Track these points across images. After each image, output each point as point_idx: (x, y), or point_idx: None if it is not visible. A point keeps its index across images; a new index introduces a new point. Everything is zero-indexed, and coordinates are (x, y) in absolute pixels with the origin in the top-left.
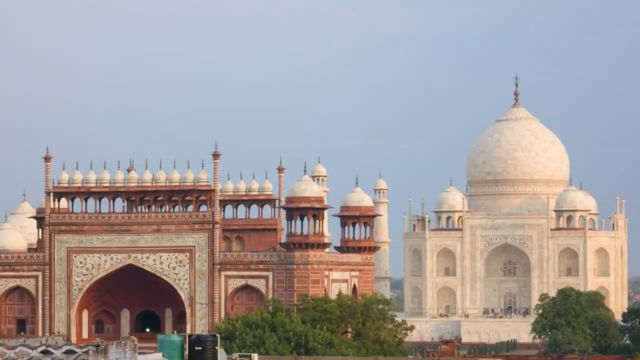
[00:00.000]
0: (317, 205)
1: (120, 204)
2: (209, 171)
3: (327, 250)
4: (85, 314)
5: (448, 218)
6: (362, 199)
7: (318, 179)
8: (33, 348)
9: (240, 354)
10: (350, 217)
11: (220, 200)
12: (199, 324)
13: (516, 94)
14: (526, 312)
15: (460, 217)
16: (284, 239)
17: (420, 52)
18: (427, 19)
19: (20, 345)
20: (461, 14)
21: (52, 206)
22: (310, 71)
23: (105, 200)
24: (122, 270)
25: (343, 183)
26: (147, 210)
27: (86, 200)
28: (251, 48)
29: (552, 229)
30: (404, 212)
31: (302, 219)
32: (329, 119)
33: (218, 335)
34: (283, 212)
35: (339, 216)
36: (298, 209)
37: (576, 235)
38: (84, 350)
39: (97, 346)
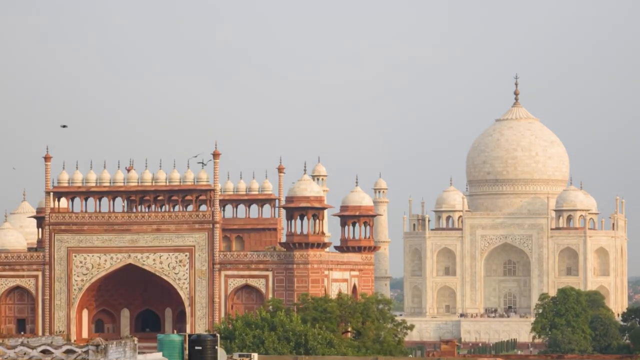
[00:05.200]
0: (317, 205)
1: (120, 204)
2: (209, 171)
3: (327, 249)
4: (85, 313)
5: (448, 218)
6: (362, 198)
7: (318, 179)
8: (33, 348)
9: (240, 353)
10: (350, 217)
11: (220, 200)
12: (198, 323)
13: (516, 94)
14: (527, 312)
15: (460, 216)
16: (284, 239)
17: (420, 51)
18: (427, 18)
19: (20, 345)
20: (461, 14)
21: (52, 206)
22: (310, 71)
23: (105, 200)
24: (122, 270)
25: (343, 183)
26: (147, 210)
27: (86, 200)
28: (251, 48)
29: (552, 229)
30: (404, 212)
31: (302, 219)
32: (329, 119)
33: (218, 335)
34: (283, 212)
35: (339, 216)
36: (298, 209)
37: (576, 235)
38: (84, 350)
39: (97, 346)
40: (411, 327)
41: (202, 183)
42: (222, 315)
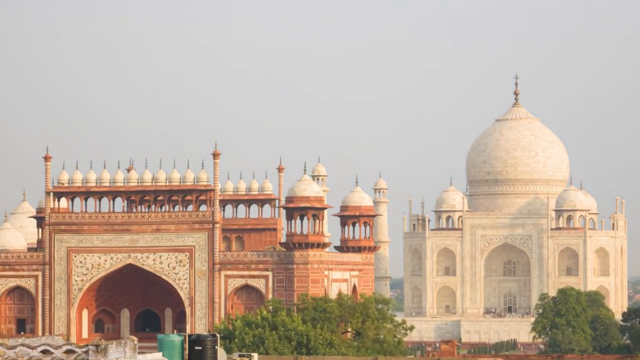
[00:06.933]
0: (317, 205)
1: (120, 204)
2: (209, 171)
3: (327, 250)
4: (85, 313)
5: (448, 218)
6: (362, 198)
7: (318, 179)
8: (33, 348)
9: (240, 353)
10: (350, 217)
11: (220, 200)
12: (198, 323)
13: (516, 94)
14: (527, 312)
15: (460, 216)
16: (283, 239)
17: (420, 52)
18: (426, 19)
19: (20, 345)
20: (461, 14)
21: (52, 206)
22: (309, 71)
23: (105, 200)
24: (122, 270)
25: (343, 183)
26: (147, 210)
27: (86, 200)
28: (250, 48)
29: (552, 229)
30: (404, 212)
31: (302, 219)
32: (329, 119)
33: (218, 335)
34: (283, 212)
35: (338, 216)
36: (298, 209)
37: (576, 235)
38: (84, 350)
39: (97, 346)
40: (411, 328)
41: (202, 183)
42: (222, 315)
